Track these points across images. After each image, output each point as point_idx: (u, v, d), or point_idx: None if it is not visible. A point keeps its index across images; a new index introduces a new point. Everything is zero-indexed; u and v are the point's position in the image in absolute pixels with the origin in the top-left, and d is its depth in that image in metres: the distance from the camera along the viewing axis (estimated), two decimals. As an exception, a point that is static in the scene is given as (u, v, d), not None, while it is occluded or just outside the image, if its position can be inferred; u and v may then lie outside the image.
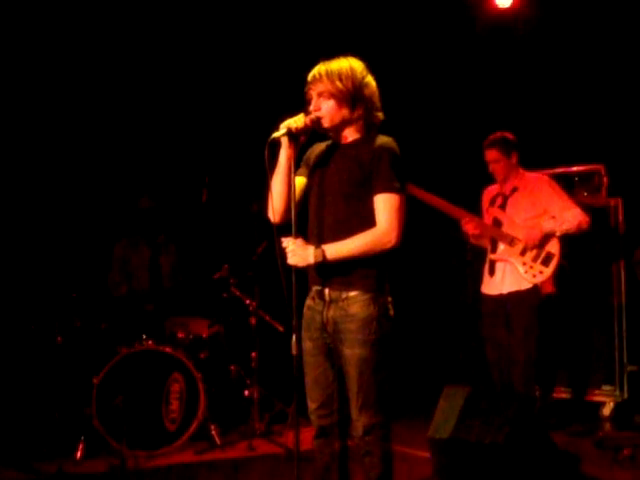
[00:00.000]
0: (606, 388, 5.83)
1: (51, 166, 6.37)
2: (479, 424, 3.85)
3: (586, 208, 5.76)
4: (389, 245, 3.26)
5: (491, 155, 5.34)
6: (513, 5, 6.57)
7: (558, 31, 6.49)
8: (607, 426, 5.72)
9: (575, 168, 6.10)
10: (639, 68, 6.13)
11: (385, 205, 3.27)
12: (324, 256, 3.26)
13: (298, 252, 3.27)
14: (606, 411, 5.86)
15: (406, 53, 6.82)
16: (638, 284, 5.45)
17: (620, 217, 5.88)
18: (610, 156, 6.02)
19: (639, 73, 6.13)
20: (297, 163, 3.38)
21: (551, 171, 6.11)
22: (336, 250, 3.27)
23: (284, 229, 3.33)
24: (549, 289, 5.23)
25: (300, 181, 3.46)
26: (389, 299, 3.38)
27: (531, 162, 6.07)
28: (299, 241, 3.29)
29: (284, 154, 3.33)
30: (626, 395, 5.77)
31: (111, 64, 6.50)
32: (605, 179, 5.97)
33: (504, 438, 3.82)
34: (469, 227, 5.26)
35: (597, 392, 5.87)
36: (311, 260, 3.26)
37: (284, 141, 3.31)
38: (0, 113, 6.16)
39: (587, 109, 6.41)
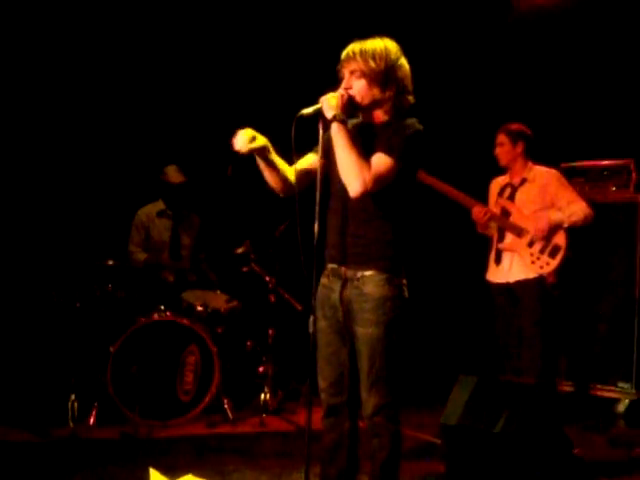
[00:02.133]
0: (621, 385, 5.78)
1: (75, 132, 6.37)
2: (488, 412, 3.84)
3: (614, 203, 5.76)
4: (354, 185, 3.19)
5: (499, 138, 5.46)
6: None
7: (592, 24, 6.40)
8: (621, 423, 5.69)
9: (605, 162, 6.04)
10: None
11: (376, 160, 3.22)
12: (335, 119, 3.21)
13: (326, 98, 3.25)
14: (620, 408, 5.82)
15: (436, 38, 6.76)
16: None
17: (647, 213, 5.81)
18: (640, 151, 5.95)
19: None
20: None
21: (580, 164, 6.08)
22: (339, 139, 3.22)
23: (308, 207, 3.30)
24: (550, 279, 5.27)
25: (311, 158, 3.43)
26: (404, 281, 3.37)
27: (561, 155, 6.05)
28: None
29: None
30: (642, 393, 5.73)
31: (141, 38, 6.50)
32: (634, 174, 5.90)
33: (515, 428, 3.80)
34: (478, 216, 5.31)
35: (612, 389, 5.83)
36: (327, 112, 3.22)
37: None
38: (18, 89, 6.17)
39: (619, 104, 6.33)
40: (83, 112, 6.40)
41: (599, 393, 5.90)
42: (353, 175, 3.19)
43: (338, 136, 3.23)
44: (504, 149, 5.43)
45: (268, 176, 3.41)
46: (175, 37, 6.59)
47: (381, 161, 3.21)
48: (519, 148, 5.41)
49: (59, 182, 6.28)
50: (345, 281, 3.35)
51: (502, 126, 5.48)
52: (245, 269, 5.82)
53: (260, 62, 6.72)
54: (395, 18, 6.25)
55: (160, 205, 6.10)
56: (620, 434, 5.27)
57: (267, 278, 5.76)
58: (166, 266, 5.98)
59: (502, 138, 5.44)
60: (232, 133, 3.37)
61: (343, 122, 3.24)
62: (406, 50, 3.41)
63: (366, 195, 3.22)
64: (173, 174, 6.00)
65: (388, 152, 3.22)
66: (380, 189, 3.22)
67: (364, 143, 3.32)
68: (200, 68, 6.68)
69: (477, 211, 5.33)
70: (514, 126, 5.45)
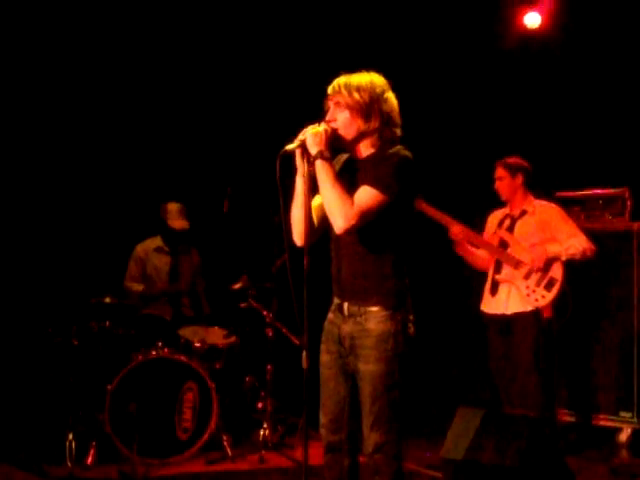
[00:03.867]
0: (623, 414, 5.75)
1: (72, 168, 6.39)
2: (493, 446, 3.81)
3: (610, 231, 5.80)
4: (338, 222, 3.19)
5: (497, 172, 5.49)
6: (542, 26, 6.56)
7: (586, 52, 6.45)
8: (623, 453, 5.65)
9: (599, 191, 6.06)
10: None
11: (360, 194, 3.22)
12: (319, 156, 3.21)
13: (309, 132, 3.25)
14: (623, 437, 5.78)
15: (432, 72, 6.82)
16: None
17: (644, 241, 5.81)
18: (634, 179, 5.96)
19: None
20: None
21: (575, 194, 6.09)
22: (323, 176, 3.21)
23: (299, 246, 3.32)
24: (547, 313, 5.26)
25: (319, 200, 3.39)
26: (410, 317, 3.35)
27: (556, 184, 6.06)
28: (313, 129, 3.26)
29: (299, 174, 3.30)
30: (644, 422, 5.70)
31: (139, 72, 6.55)
32: (629, 202, 5.91)
33: (519, 462, 3.77)
34: (454, 234, 5.30)
35: (614, 418, 5.80)
36: (312, 148, 3.22)
37: (297, 155, 3.29)
38: (16, 115, 6.18)
39: (613, 132, 6.36)
40: (80, 147, 6.42)
41: (601, 423, 5.86)
42: (336, 211, 3.19)
43: (322, 173, 3.22)
44: (504, 183, 5.45)
45: (300, 214, 3.31)
46: (172, 80, 6.65)
47: (365, 195, 3.21)
48: (518, 180, 5.43)
49: (56, 218, 6.28)
50: (348, 317, 3.35)
51: (500, 160, 5.50)
52: (243, 305, 5.80)
53: (252, 100, 6.76)
54: (388, 52, 6.31)
55: (158, 241, 6.10)
56: (622, 464, 5.23)
57: (265, 313, 5.74)
58: (163, 293, 5.95)
59: (501, 172, 5.45)
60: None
61: (327, 159, 3.24)
62: (399, 84, 3.43)
63: (351, 230, 3.22)
64: (175, 217, 5.95)
65: (372, 185, 3.21)
66: (366, 223, 3.21)
67: (350, 177, 3.33)
68: (196, 105, 6.72)
69: (455, 230, 5.30)
70: (512, 159, 5.47)
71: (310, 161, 3.26)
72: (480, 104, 6.90)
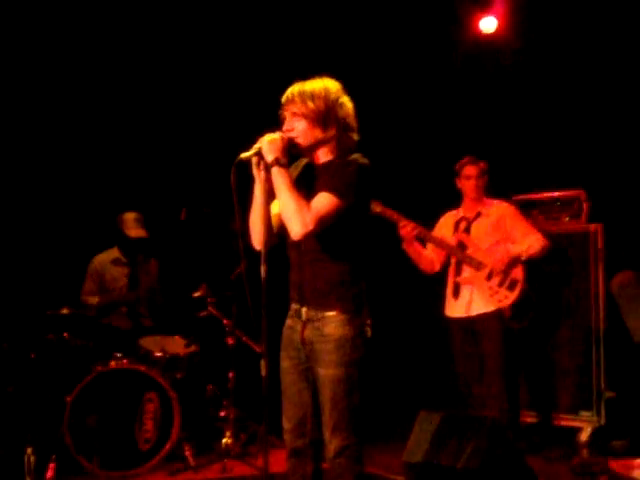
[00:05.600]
0: (583, 414, 5.80)
1: (28, 179, 6.29)
2: (453, 448, 3.82)
3: (567, 233, 5.88)
4: (295, 228, 3.20)
5: (467, 170, 5.51)
6: (497, 31, 6.61)
7: (542, 56, 6.52)
8: (584, 452, 5.69)
9: (556, 193, 6.11)
10: (619, 94, 6.16)
11: (318, 200, 3.23)
12: (276, 163, 3.22)
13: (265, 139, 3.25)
14: (583, 437, 5.82)
15: (386, 75, 6.85)
16: (616, 310, 5.46)
17: (600, 243, 5.87)
18: (590, 182, 6.04)
19: (619, 99, 6.16)
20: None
21: (532, 196, 6.15)
22: (279, 183, 3.22)
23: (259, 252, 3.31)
24: (506, 313, 5.34)
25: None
26: (367, 320, 3.37)
27: (512, 187, 6.12)
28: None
29: (256, 179, 3.30)
30: (603, 421, 5.75)
31: (95, 83, 6.48)
32: (585, 205, 5.98)
33: (479, 463, 3.78)
34: (404, 231, 5.28)
35: (574, 417, 5.85)
36: (268, 155, 3.22)
37: (253, 164, 3.29)
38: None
39: (569, 134, 6.43)
40: (36, 158, 6.33)
41: (562, 423, 5.91)
42: (293, 217, 3.20)
43: (279, 180, 3.23)
44: (471, 182, 5.48)
45: (259, 220, 3.30)
46: (131, 89, 6.60)
47: (322, 201, 3.22)
48: (484, 182, 5.51)
49: (10, 230, 6.18)
50: (306, 322, 3.35)
51: (469, 159, 5.53)
52: (203, 313, 5.77)
53: (207, 106, 6.74)
54: (343, 56, 6.33)
55: (115, 252, 6.04)
56: (583, 463, 5.27)
57: (225, 321, 5.71)
58: (120, 301, 5.89)
59: (472, 171, 5.49)
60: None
61: (284, 166, 3.24)
62: (353, 87, 3.44)
63: (308, 236, 3.22)
64: (132, 226, 5.89)
65: (329, 191, 3.22)
66: (324, 228, 3.22)
67: (308, 184, 3.34)
68: (151, 114, 6.68)
69: (403, 226, 5.27)
70: (481, 162, 5.52)
71: (266, 168, 3.26)
72: (435, 108, 6.95)
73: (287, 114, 3.36)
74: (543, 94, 6.58)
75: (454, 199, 5.68)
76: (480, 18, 6.61)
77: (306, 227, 3.19)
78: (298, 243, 3.32)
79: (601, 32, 6.19)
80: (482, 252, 5.38)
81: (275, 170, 3.23)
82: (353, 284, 3.34)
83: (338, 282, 3.32)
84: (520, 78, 6.69)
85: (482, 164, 5.53)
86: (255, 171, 3.30)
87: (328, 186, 3.24)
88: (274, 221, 3.40)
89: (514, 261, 5.33)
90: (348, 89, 3.43)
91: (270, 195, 3.31)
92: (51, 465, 5.04)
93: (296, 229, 3.21)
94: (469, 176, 5.51)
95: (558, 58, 6.46)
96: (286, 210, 3.23)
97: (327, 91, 3.33)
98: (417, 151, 6.92)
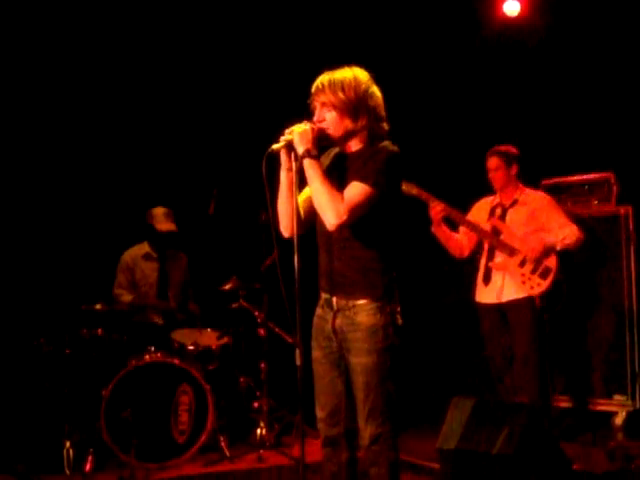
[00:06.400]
0: (618, 397, 5.77)
1: (59, 176, 6.35)
2: (486, 434, 3.83)
3: (597, 216, 5.87)
4: (330, 219, 3.21)
5: (492, 163, 5.46)
6: (521, 13, 6.57)
7: (566, 39, 6.46)
8: (619, 436, 5.67)
9: (585, 176, 6.07)
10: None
11: (350, 190, 3.23)
12: (307, 154, 3.23)
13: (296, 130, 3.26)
14: (618, 421, 5.80)
15: (413, 61, 6.83)
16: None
17: (631, 225, 5.83)
18: (620, 164, 5.98)
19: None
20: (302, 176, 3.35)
21: (561, 180, 6.11)
22: (311, 174, 3.23)
23: (288, 242, 3.33)
24: (539, 301, 5.30)
25: (307, 193, 3.41)
26: (397, 308, 3.37)
27: (541, 171, 6.08)
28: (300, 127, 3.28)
29: (284, 169, 3.32)
30: (638, 405, 5.72)
31: (122, 79, 6.53)
32: (615, 187, 5.93)
33: (513, 448, 3.79)
34: (434, 211, 5.27)
35: (609, 402, 5.82)
36: (299, 146, 3.23)
37: (283, 154, 3.31)
38: (8, 117, 6.17)
39: (597, 117, 6.37)
40: (67, 156, 6.39)
41: (597, 407, 5.89)
42: (327, 208, 3.21)
43: (311, 171, 3.24)
44: (499, 173, 5.44)
45: (286, 209, 3.35)
46: (160, 82, 6.64)
47: (355, 191, 3.22)
48: (513, 170, 5.44)
49: (43, 227, 6.25)
50: (337, 311, 3.36)
51: (493, 150, 5.48)
52: (234, 305, 5.80)
53: (237, 99, 6.76)
54: (370, 44, 6.32)
55: (145, 247, 6.08)
56: (618, 447, 5.24)
57: (256, 312, 5.75)
58: (152, 307, 5.95)
59: (497, 162, 5.44)
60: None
61: (315, 157, 3.25)
62: (381, 75, 3.43)
63: (343, 226, 3.23)
64: (162, 220, 5.92)
65: (362, 180, 3.23)
66: (358, 218, 3.23)
67: (339, 173, 3.34)
68: (178, 108, 6.71)
69: (434, 207, 5.26)
70: (507, 148, 5.46)
71: (297, 159, 3.27)
72: (462, 94, 6.91)
73: (317, 104, 3.35)
74: (569, 76, 6.52)
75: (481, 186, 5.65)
76: (504, 1, 6.57)
77: (340, 218, 3.20)
78: (329, 232, 3.32)
79: (627, 11, 6.12)
80: (516, 239, 5.33)
81: (307, 162, 3.24)
82: (384, 272, 3.33)
83: (369, 270, 3.32)
84: (546, 61, 6.63)
85: (501, 157, 5.42)
86: (284, 160, 3.31)
87: (360, 175, 3.24)
88: (302, 207, 3.41)
89: (548, 250, 5.27)
90: (375, 75, 3.41)
91: (298, 185, 3.32)
92: (89, 458, 5.11)
93: (331, 220, 3.21)
94: (489, 169, 5.48)
95: (583, 39, 6.39)
96: (319, 201, 3.24)
97: (357, 81, 3.32)
98: (441, 138, 6.88)
